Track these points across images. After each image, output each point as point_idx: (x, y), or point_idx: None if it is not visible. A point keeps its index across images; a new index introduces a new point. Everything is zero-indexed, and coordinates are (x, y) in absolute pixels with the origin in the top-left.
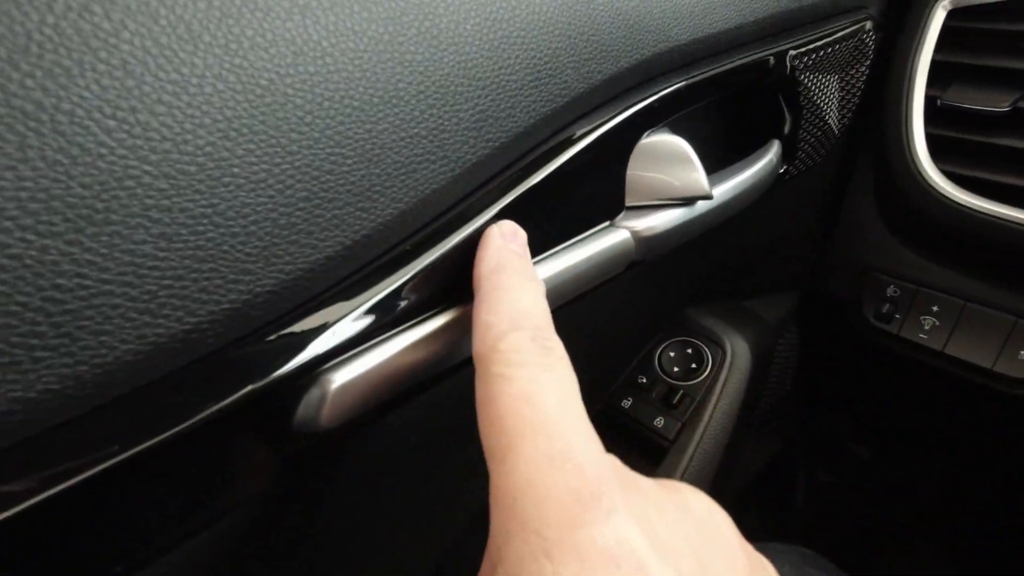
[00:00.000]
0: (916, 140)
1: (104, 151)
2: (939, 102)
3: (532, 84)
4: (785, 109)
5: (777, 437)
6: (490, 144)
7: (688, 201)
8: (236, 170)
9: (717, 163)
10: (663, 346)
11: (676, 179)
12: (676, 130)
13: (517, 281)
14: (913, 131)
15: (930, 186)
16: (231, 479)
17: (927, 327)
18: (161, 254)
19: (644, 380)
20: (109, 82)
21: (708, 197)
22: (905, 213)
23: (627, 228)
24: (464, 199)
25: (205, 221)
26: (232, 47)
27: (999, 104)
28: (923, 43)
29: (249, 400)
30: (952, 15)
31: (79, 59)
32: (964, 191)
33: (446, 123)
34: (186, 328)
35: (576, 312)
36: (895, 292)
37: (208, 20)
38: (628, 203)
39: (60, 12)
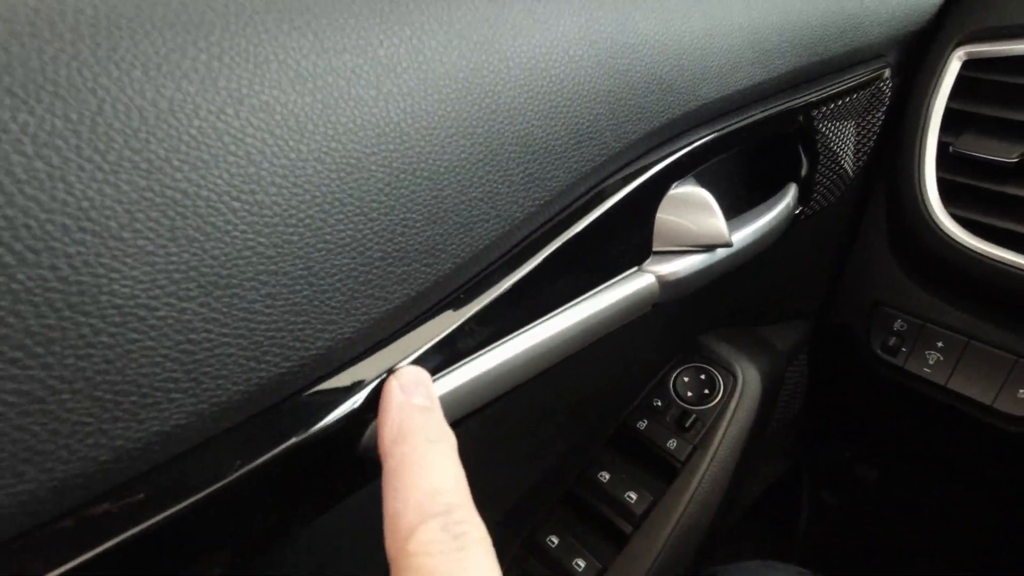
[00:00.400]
0: (928, 184)
1: (230, 228)
2: (951, 149)
3: (575, 147)
4: (803, 154)
5: (783, 458)
6: (536, 202)
7: (709, 248)
8: (328, 236)
9: (736, 202)
10: (678, 371)
11: (699, 227)
12: (699, 175)
13: (422, 452)
14: (925, 175)
15: (940, 229)
16: (315, 490)
17: (931, 361)
18: (267, 311)
19: (659, 403)
20: (237, 171)
21: (728, 245)
22: (915, 252)
23: (653, 272)
24: (510, 251)
25: (302, 281)
26: (330, 133)
27: (1009, 155)
28: (938, 91)
29: (330, 428)
30: (967, 65)
31: (215, 153)
32: (972, 235)
33: (500, 186)
34: (282, 371)
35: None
36: (902, 326)
37: (312, 111)
38: (655, 248)
39: (204, 115)
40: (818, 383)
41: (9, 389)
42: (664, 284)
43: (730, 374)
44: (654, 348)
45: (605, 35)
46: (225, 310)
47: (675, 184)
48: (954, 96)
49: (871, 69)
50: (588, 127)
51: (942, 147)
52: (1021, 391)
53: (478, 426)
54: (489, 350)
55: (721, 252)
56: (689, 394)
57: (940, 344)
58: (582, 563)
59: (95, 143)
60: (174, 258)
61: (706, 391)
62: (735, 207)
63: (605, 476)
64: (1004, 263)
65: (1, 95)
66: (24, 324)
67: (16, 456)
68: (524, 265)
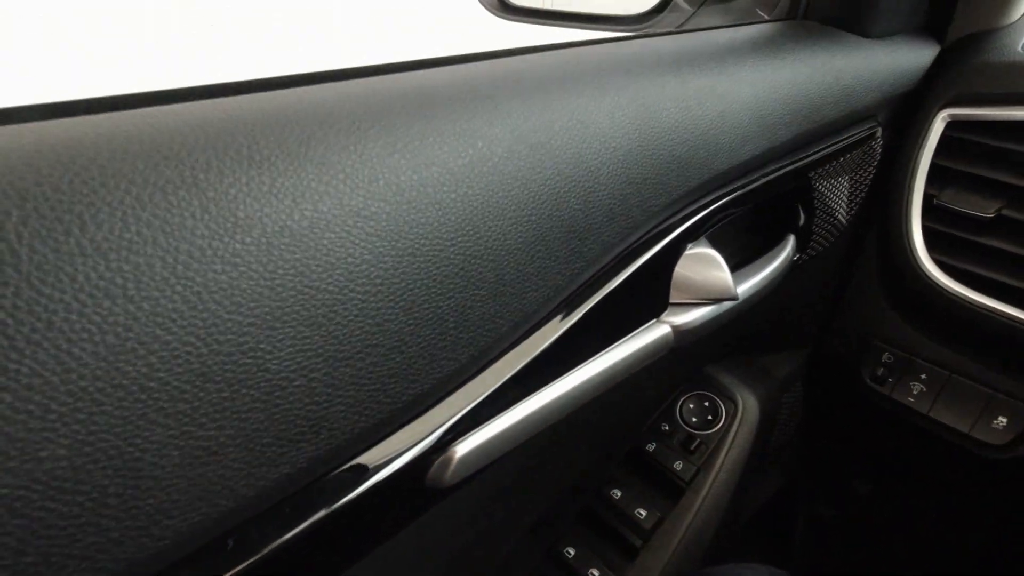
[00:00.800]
0: (914, 232)
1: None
2: (935, 201)
3: (607, 223)
4: (800, 209)
5: (780, 474)
6: (574, 271)
7: (718, 300)
8: (416, 312)
9: (740, 250)
10: (683, 398)
11: (710, 283)
12: (735, 229)
13: None
14: (912, 224)
15: (924, 273)
16: (387, 521)
17: (915, 392)
18: (379, 350)
19: (667, 428)
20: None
21: (735, 299)
22: (902, 292)
23: (669, 323)
24: (552, 312)
25: (407, 339)
26: (420, 232)
27: (987, 210)
28: (924, 148)
29: (403, 469)
30: (951, 126)
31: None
32: (953, 280)
33: (548, 262)
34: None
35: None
36: (890, 359)
37: (408, 217)
38: (672, 300)
39: (202, 283)
40: (814, 407)
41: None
42: (678, 332)
43: (731, 401)
44: (664, 379)
45: (635, 126)
46: (347, 371)
47: (691, 245)
48: (938, 153)
49: (863, 129)
50: (619, 206)
51: (927, 199)
52: (995, 421)
53: (516, 455)
54: (532, 397)
55: (727, 303)
56: (694, 420)
57: (924, 376)
58: (596, 573)
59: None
60: (309, 342)
61: (709, 417)
62: (739, 255)
63: (618, 493)
64: (980, 307)
65: None
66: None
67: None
68: (565, 320)
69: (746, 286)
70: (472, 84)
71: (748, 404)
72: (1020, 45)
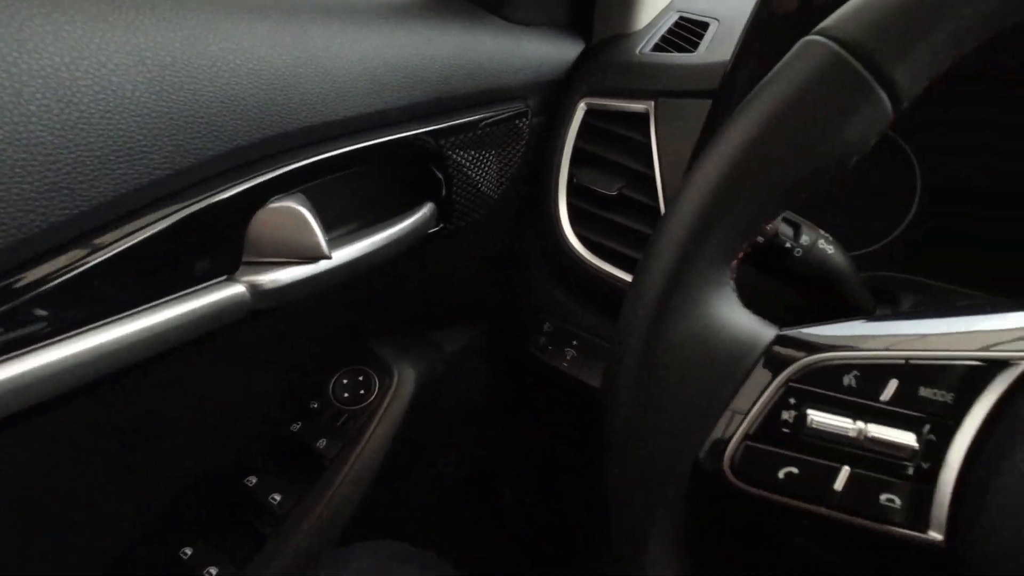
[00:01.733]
0: (561, 209)
1: None
2: (575, 180)
3: (124, 160)
4: (441, 178)
5: (477, 447)
6: (66, 213)
7: (310, 259)
8: None
9: (364, 212)
10: (338, 374)
11: (295, 240)
12: (337, 190)
13: None
14: (559, 201)
15: (569, 246)
16: None
17: (568, 357)
18: None
19: (316, 405)
20: None
21: (326, 257)
22: (557, 265)
23: (245, 282)
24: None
25: None
26: None
27: (611, 188)
28: (569, 132)
29: None
30: (589, 113)
31: None
32: (590, 252)
33: (4, 194)
34: None
35: (252, 343)
36: (550, 328)
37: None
38: (246, 259)
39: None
40: (495, 378)
41: None
42: (259, 292)
43: (387, 375)
44: (314, 351)
45: (163, 54)
46: None
47: (274, 199)
48: (579, 137)
49: (510, 108)
50: (141, 143)
51: (571, 178)
52: None
53: (111, 435)
54: (55, 342)
55: (326, 264)
56: (346, 395)
57: (575, 343)
58: (214, 571)
59: None
60: None
61: (362, 391)
62: (363, 217)
63: (253, 480)
64: (607, 275)
65: None
66: None
67: None
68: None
69: (351, 248)
70: None
71: (404, 376)
72: (638, 49)
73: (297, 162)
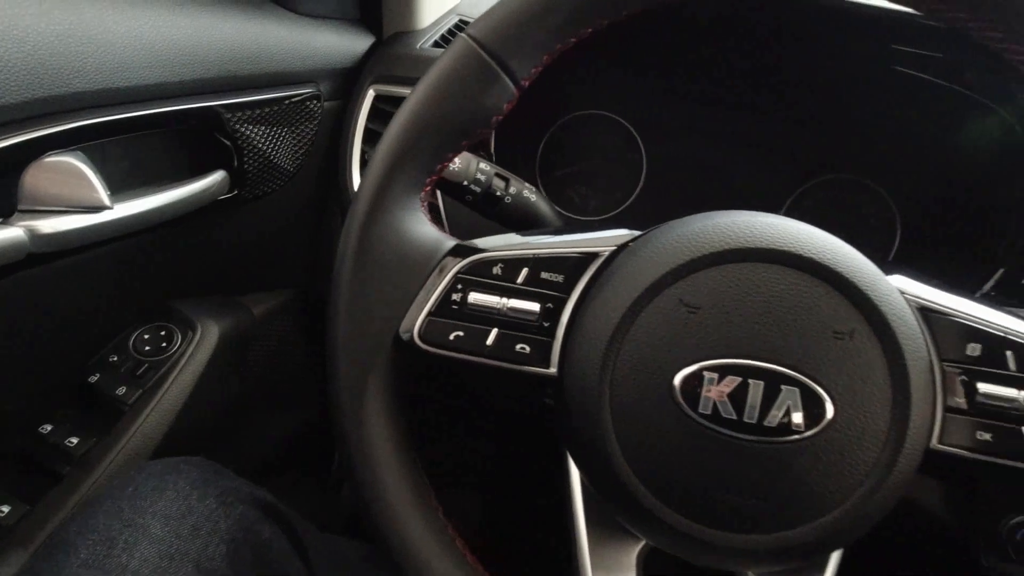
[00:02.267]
0: (354, 181)
1: None
2: (367, 156)
3: None
4: (232, 147)
5: (305, 409)
6: None
7: (91, 209)
8: None
9: (162, 173)
10: (140, 329)
11: (74, 192)
12: (126, 152)
13: None
14: (353, 175)
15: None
16: None
17: None
18: None
19: (116, 359)
20: None
21: (106, 208)
22: None
23: (22, 226)
24: None
25: None
26: None
27: None
28: (360, 114)
29: None
30: (377, 98)
31: None
32: None
33: None
34: None
35: (37, 289)
36: None
37: None
38: (21, 207)
39: None
40: (311, 342)
41: None
42: (38, 237)
43: (189, 329)
44: (114, 305)
45: None
46: None
47: (50, 154)
48: (370, 119)
49: (303, 91)
50: None
51: (363, 154)
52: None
53: None
54: None
55: (109, 215)
56: (148, 348)
57: None
58: (6, 508)
59: None
60: None
61: (164, 344)
62: (163, 177)
63: (48, 428)
64: None
65: None
66: None
67: None
68: None
69: (136, 203)
70: None
71: (207, 330)
72: (419, 44)
73: (72, 123)
